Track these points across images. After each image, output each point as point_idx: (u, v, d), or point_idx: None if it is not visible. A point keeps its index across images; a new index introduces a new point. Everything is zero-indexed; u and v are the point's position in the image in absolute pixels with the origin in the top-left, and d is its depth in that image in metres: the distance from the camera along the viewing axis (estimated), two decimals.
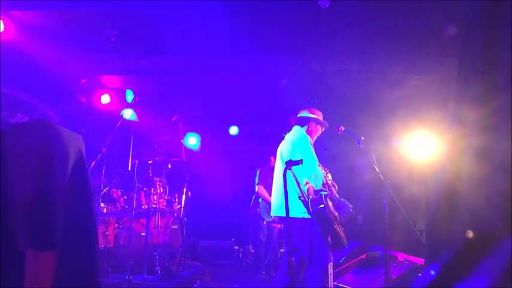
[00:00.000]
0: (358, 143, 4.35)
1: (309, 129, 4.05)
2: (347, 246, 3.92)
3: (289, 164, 3.18)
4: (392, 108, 6.65)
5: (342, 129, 4.36)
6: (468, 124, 1.93)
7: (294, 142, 3.83)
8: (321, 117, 4.15)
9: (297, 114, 4.18)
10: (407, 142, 6.39)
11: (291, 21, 5.14)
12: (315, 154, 3.79)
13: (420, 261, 4.69)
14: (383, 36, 5.30)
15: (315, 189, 3.65)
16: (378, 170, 4.32)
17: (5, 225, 1.49)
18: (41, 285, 1.61)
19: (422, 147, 6.15)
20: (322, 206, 3.51)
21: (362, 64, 6.12)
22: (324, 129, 4.19)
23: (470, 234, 1.78)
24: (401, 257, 5.01)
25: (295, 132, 3.99)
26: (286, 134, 4.08)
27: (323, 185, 3.73)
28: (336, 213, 3.71)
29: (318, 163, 3.75)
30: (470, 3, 2.15)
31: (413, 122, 6.39)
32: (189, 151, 7.85)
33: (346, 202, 3.83)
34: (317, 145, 4.09)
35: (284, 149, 3.89)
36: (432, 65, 5.91)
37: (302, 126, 4.06)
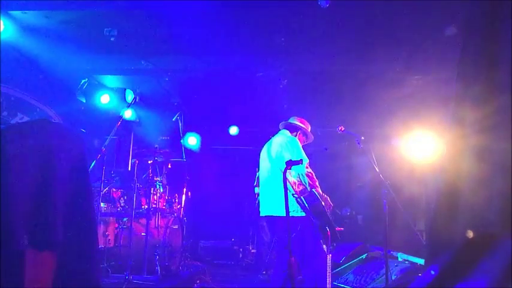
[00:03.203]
0: (358, 143, 4.35)
1: (296, 137, 4.13)
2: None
3: (289, 163, 3.20)
4: (392, 109, 6.64)
5: (342, 129, 4.36)
6: (468, 124, 1.93)
7: (283, 144, 3.88)
8: (308, 129, 4.22)
9: (287, 120, 4.25)
10: (407, 142, 6.39)
11: (291, 21, 5.14)
12: (305, 155, 3.85)
13: (420, 261, 4.69)
14: (383, 36, 5.30)
15: (307, 187, 3.70)
16: (377, 170, 4.32)
17: (5, 225, 1.49)
18: (41, 285, 1.61)
19: (422, 147, 6.15)
20: (318, 200, 3.63)
21: (362, 64, 6.12)
22: (307, 141, 4.27)
23: (470, 234, 1.78)
24: (401, 257, 5.01)
25: (285, 135, 4.05)
26: (273, 136, 4.12)
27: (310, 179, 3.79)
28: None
29: (307, 161, 3.83)
30: (470, 3, 2.15)
31: (413, 122, 6.39)
32: (189, 151, 7.85)
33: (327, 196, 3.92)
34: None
35: (274, 151, 3.92)
36: (432, 65, 5.91)
37: (291, 132, 4.14)
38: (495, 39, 1.90)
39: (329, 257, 3.59)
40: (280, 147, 3.86)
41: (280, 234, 3.80)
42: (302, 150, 3.87)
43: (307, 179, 3.73)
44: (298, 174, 3.73)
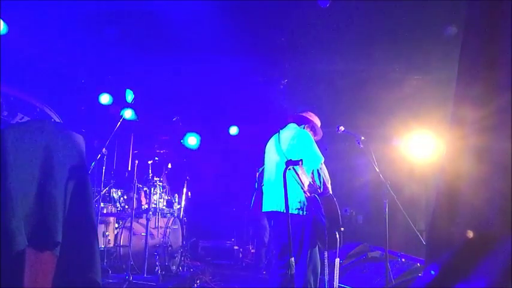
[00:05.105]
0: (358, 143, 4.33)
1: (306, 130, 3.89)
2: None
3: (289, 163, 3.11)
4: (392, 109, 6.64)
5: (342, 129, 4.32)
6: (468, 124, 1.92)
7: (296, 137, 3.66)
8: (318, 125, 4.00)
9: (297, 113, 4.03)
10: (407, 142, 6.38)
11: (291, 21, 5.15)
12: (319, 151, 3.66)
13: (420, 261, 4.69)
14: (383, 36, 5.31)
15: (319, 188, 3.58)
16: (378, 170, 4.31)
17: (5, 225, 1.49)
18: (41, 285, 1.61)
19: (422, 147, 6.14)
20: (334, 202, 3.48)
21: (362, 64, 6.12)
22: (315, 138, 3.93)
23: (470, 234, 1.78)
24: (401, 257, 5.01)
25: (297, 129, 3.81)
26: (281, 129, 3.90)
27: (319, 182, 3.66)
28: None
29: (323, 159, 3.64)
30: (470, 3, 2.15)
31: (413, 122, 6.39)
32: (189, 151, 7.85)
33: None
34: (318, 145, 4.04)
35: (284, 144, 3.68)
36: (432, 65, 5.92)
37: (299, 125, 3.90)
38: (495, 39, 1.89)
39: (337, 260, 3.46)
40: (292, 140, 3.64)
41: (282, 231, 3.56)
42: (315, 144, 3.65)
43: (322, 178, 3.55)
44: (313, 171, 3.54)
